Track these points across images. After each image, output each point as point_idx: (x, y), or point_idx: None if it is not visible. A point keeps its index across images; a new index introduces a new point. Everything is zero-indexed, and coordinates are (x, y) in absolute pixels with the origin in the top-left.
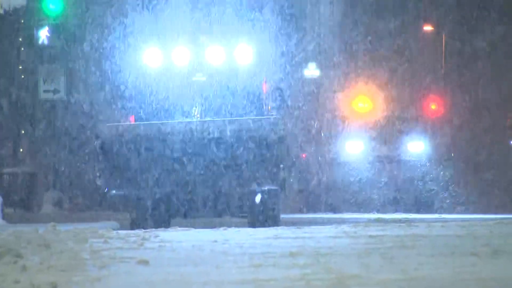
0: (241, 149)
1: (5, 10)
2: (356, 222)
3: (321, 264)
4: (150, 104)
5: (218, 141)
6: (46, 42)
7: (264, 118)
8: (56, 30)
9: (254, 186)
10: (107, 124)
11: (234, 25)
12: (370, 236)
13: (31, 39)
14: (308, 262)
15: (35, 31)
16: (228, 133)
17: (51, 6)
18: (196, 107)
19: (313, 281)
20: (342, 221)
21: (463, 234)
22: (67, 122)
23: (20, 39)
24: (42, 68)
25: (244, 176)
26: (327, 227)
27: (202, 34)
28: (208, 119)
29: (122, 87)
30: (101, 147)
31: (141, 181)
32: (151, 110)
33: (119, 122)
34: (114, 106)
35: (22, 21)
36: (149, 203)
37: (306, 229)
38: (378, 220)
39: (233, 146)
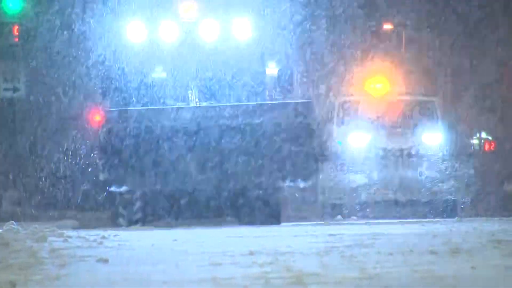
0: (272, 139)
1: None
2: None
3: (281, 263)
4: (135, 88)
5: (244, 130)
6: (6, 40)
7: (297, 103)
8: (17, 27)
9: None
10: (114, 109)
11: None
12: (330, 235)
13: None
14: (267, 261)
15: None
16: (256, 120)
17: (10, 5)
18: (191, 90)
19: (273, 280)
20: None
21: (423, 232)
22: (27, 120)
23: None
24: (1, 66)
25: (273, 172)
26: (289, 225)
27: (194, 5)
28: (233, 103)
29: (97, 74)
30: (106, 136)
31: (152, 176)
32: (136, 96)
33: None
34: (87, 95)
35: None
36: (162, 200)
37: (267, 228)
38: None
39: (262, 136)
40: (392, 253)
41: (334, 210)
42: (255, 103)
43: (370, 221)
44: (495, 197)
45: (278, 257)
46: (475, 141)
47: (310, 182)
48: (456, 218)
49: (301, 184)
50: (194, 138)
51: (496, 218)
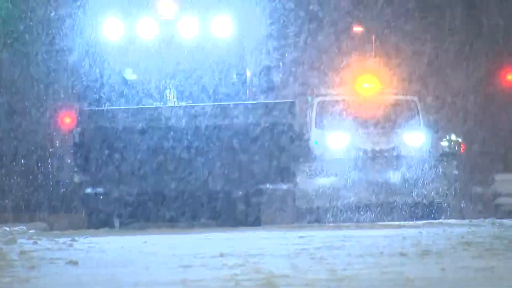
0: (253, 140)
1: None
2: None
3: (251, 265)
4: (111, 88)
5: (224, 131)
6: None
7: (278, 103)
8: None
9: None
10: (88, 109)
11: None
12: (300, 237)
13: None
14: (238, 263)
15: None
16: (238, 120)
17: None
18: (169, 89)
19: (243, 282)
20: None
21: (393, 234)
22: None
23: None
24: None
25: (253, 173)
26: (259, 228)
27: (173, 2)
28: (215, 103)
29: (71, 73)
30: (81, 137)
31: (128, 177)
32: (112, 95)
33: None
34: (58, 94)
35: None
36: (137, 203)
37: (237, 230)
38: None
39: (243, 137)
40: (362, 255)
41: (311, 214)
42: (236, 102)
43: (341, 224)
44: (465, 199)
45: (249, 259)
46: (444, 143)
47: (291, 184)
48: (428, 220)
49: (282, 186)
50: (170, 139)
51: (465, 220)
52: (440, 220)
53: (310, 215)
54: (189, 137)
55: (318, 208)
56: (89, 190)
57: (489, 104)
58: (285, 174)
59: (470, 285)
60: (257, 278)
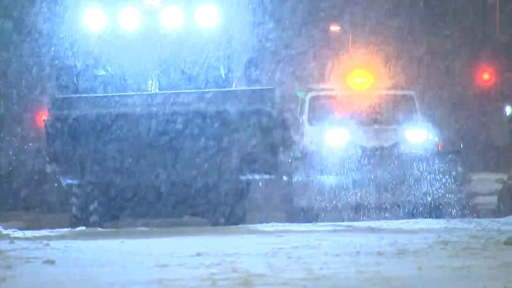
0: (230, 128)
1: None
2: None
3: (228, 264)
4: (92, 79)
5: (199, 119)
6: None
7: (256, 89)
8: None
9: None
10: (58, 96)
11: None
12: (277, 236)
13: None
14: (214, 262)
15: None
16: (214, 107)
17: None
18: (152, 80)
19: (220, 281)
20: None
21: (370, 233)
22: None
23: None
24: None
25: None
26: (237, 227)
27: None
28: (189, 90)
29: (50, 64)
30: (53, 124)
31: (101, 168)
32: (93, 86)
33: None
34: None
35: None
36: (114, 193)
37: (214, 229)
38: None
39: (219, 125)
40: (339, 254)
41: (305, 214)
42: (212, 89)
43: (318, 223)
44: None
45: (225, 258)
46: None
47: (272, 175)
48: (414, 220)
49: (263, 176)
50: (142, 127)
51: (442, 220)
52: (417, 220)
53: (308, 214)
54: (160, 125)
55: (317, 208)
56: (62, 181)
57: (466, 103)
58: (265, 163)
59: (446, 284)
60: (234, 277)
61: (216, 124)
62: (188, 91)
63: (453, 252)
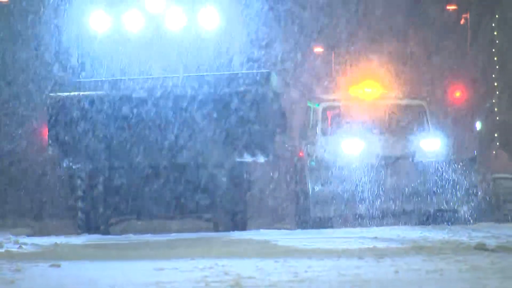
0: (227, 111)
1: None
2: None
3: (220, 267)
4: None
5: (199, 100)
6: None
7: (252, 73)
8: None
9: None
10: (56, 94)
11: None
12: (265, 241)
13: None
14: (207, 266)
15: None
16: (211, 90)
17: None
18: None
19: (212, 283)
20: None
21: (351, 238)
22: None
23: None
24: None
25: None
26: (227, 233)
27: None
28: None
29: (57, 66)
30: (55, 108)
31: (102, 151)
32: (100, 88)
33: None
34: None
35: None
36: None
37: (206, 234)
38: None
39: (216, 107)
40: (322, 258)
41: (321, 222)
42: (209, 73)
43: (304, 230)
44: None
45: (218, 262)
46: None
47: (269, 157)
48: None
49: (259, 159)
50: (141, 111)
51: (417, 227)
52: (394, 226)
53: (324, 223)
54: (159, 108)
55: (333, 216)
56: (64, 164)
57: (440, 119)
58: (260, 145)
59: (421, 286)
60: (226, 280)
61: (212, 106)
62: (186, 74)
63: (427, 256)
